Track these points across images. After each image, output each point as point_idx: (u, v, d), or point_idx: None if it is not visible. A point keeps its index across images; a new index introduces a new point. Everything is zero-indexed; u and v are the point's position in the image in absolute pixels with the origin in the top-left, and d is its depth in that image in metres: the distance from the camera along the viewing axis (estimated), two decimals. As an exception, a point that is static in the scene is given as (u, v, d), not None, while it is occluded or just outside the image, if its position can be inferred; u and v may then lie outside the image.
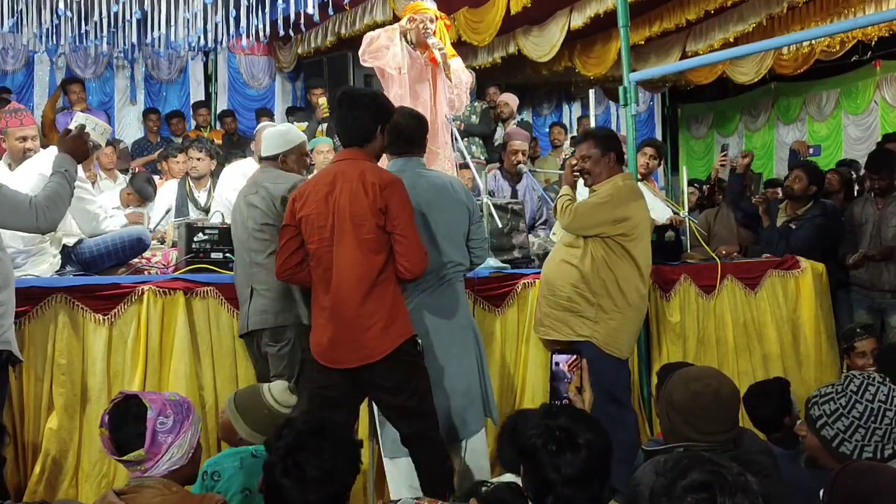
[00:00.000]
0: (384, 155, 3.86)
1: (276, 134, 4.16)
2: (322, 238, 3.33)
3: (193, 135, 9.04)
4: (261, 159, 4.33)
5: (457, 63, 5.27)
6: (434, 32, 5.07)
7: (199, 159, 6.09)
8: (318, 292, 3.40)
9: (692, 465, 1.80)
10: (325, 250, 3.33)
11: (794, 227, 5.86)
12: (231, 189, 5.30)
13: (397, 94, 4.86)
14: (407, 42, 5.04)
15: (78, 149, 3.62)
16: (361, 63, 5.09)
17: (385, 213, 3.29)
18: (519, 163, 6.14)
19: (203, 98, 10.61)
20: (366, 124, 3.43)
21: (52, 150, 4.21)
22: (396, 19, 7.82)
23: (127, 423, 2.38)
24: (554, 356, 2.81)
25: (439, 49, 5.00)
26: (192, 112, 9.99)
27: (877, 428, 2.39)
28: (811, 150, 8.20)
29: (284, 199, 3.77)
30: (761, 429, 3.69)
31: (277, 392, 3.05)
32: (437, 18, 5.12)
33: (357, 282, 3.29)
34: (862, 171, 8.31)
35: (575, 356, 2.79)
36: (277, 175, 3.96)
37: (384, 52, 4.94)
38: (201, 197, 6.05)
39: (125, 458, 2.35)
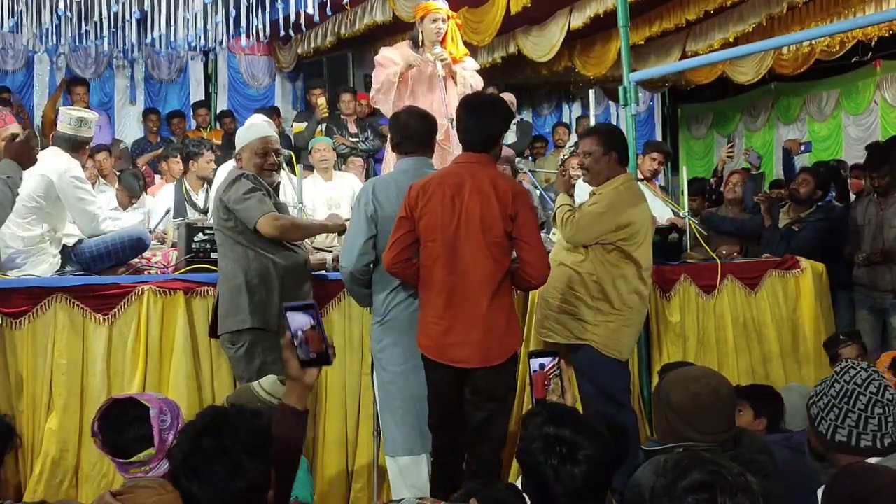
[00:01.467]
0: (392, 154, 3.87)
1: (238, 133, 4.14)
2: (446, 237, 3.37)
3: (193, 135, 9.04)
4: None
5: (470, 63, 5.21)
6: (446, 32, 5.03)
7: (213, 160, 6.12)
8: (432, 291, 3.43)
9: (692, 466, 1.80)
10: (447, 250, 3.38)
11: (796, 229, 5.87)
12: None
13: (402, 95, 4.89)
14: (418, 45, 5.03)
15: (23, 154, 3.57)
16: (372, 105, 5.05)
17: (514, 219, 3.37)
18: None
19: (203, 98, 10.61)
20: (493, 130, 3.52)
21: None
22: (396, 19, 7.85)
23: (128, 426, 2.38)
24: (531, 361, 2.75)
25: (442, 60, 4.95)
26: (192, 112, 9.99)
27: (849, 410, 2.37)
28: (803, 147, 8.19)
29: (221, 200, 3.79)
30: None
31: (268, 385, 3.07)
32: (448, 18, 5.08)
33: (483, 283, 3.37)
34: (850, 170, 8.36)
35: (552, 361, 2.71)
36: (229, 176, 3.94)
37: (388, 86, 4.94)
38: (199, 199, 6.05)
39: (134, 459, 2.35)
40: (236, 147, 4.01)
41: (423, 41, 5.02)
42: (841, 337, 4.70)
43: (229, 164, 5.71)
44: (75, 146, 4.23)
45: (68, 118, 4.22)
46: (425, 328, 3.46)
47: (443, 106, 4.86)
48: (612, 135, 4.20)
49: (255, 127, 4.13)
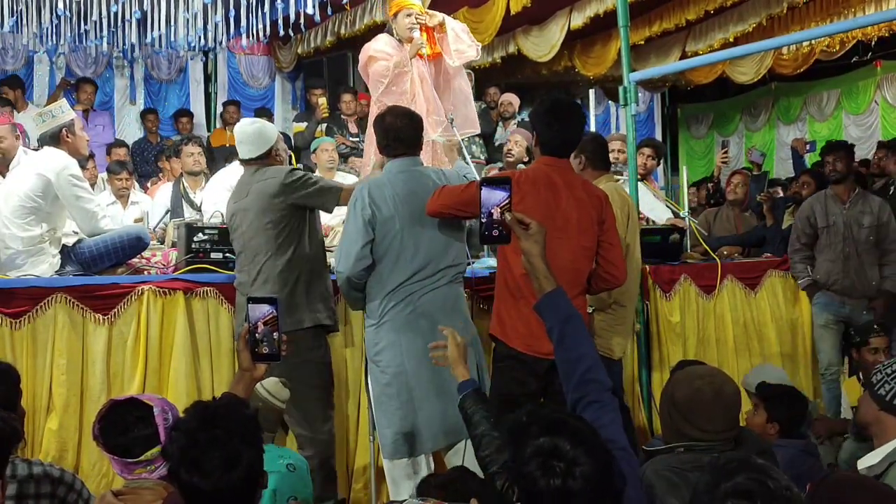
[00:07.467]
0: (383, 156, 3.84)
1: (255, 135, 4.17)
2: None
3: (217, 133, 9.05)
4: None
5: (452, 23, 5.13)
6: (425, 27, 4.98)
7: (199, 153, 6.12)
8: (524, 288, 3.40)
9: (738, 469, 1.77)
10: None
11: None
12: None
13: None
14: (395, 38, 4.98)
15: None
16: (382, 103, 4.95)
17: (603, 223, 3.48)
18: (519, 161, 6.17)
19: (203, 98, 10.61)
20: (577, 137, 3.60)
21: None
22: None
23: (132, 426, 2.37)
24: (485, 187, 2.28)
25: (419, 45, 4.89)
26: (222, 109, 9.93)
27: None
28: (808, 147, 8.28)
29: (278, 198, 3.82)
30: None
31: (270, 386, 3.07)
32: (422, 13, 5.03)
33: (575, 284, 3.39)
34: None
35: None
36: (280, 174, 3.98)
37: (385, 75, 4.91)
38: (197, 197, 6.02)
39: (141, 458, 2.34)
40: (261, 148, 4.01)
41: (399, 37, 4.97)
42: (875, 326, 4.68)
43: (231, 168, 5.66)
44: (67, 133, 4.21)
45: (41, 119, 4.23)
46: (513, 325, 3.46)
47: (434, 104, 4.84)
48: (584, 140, 4.15)
49: (270, 126, 4.18)
